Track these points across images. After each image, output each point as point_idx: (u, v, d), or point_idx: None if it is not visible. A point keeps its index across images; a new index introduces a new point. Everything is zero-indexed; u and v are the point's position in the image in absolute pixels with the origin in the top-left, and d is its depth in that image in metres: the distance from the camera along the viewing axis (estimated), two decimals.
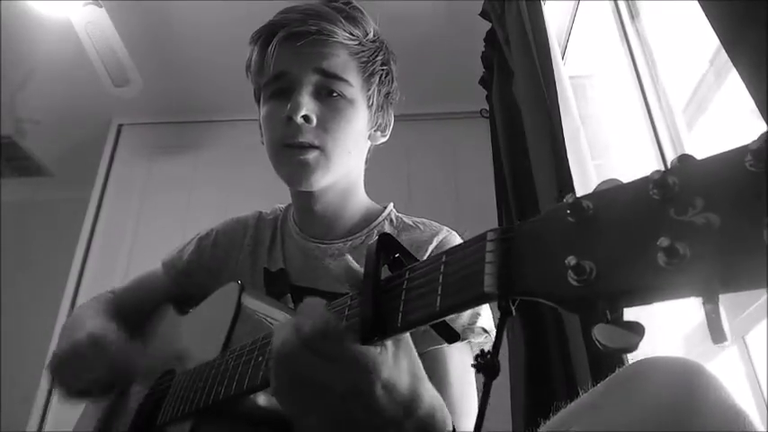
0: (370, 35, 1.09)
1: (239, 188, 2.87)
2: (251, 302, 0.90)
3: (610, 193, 0.39)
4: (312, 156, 1.01)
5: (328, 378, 0.55)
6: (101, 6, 2.34)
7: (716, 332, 0.33)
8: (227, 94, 3.03)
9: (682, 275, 0.33)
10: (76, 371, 1.00)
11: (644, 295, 0.35)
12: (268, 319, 0.90)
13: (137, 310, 1.24)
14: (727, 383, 0.52)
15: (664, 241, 0.33)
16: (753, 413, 0.50)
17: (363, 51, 1.07)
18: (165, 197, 3.06)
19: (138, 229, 3.00)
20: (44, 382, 2.70)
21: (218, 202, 2.80)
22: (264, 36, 1.06)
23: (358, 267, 0.60)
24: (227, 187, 2.94)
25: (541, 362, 1.65)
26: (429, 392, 0.59)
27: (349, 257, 0.61)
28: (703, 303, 0.33)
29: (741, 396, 0.51)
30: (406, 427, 0.57)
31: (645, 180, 0.37)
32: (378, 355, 0.55)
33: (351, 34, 1.04)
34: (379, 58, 1.10)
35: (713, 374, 0.53)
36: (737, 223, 0.32)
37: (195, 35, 2.76)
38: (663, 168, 1.13)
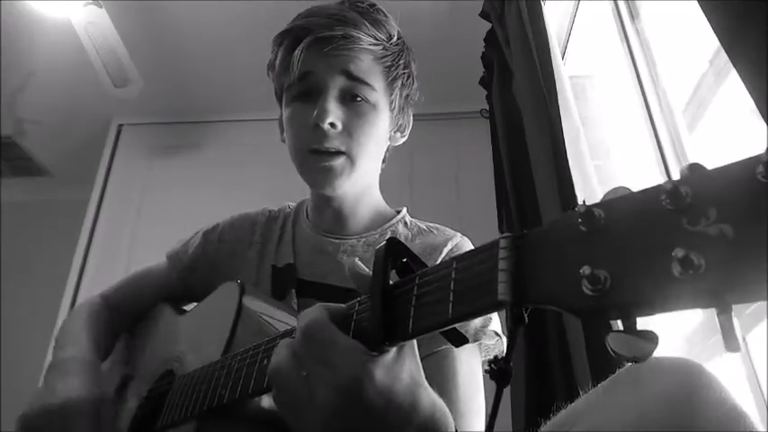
0: (394, 38, 1.09)
1: (239, 188, 2.87)
2: (252, 303, 0.90)
3: (621, 201, 0.40)
4: (338, 162, 1.02)
5: (322, 383, 0.55)
6: (101, 6, 2.34)
7: (730, 341, 0.33)
8: (227, 94, 3.05)
9: (696, 286, 0.33)
10: None
11: (658, 305, 0.35)
12: (270, 320, 0.90)
13: (137, 307, 1.23)
14: (727, 384, 0.52)
15: (679, 252, 0.33)
16: (753, 413, 0.51)
17: (387, 56, 1.07)
18: (165, 197, 3.05)
19: (138, 229, 2.99)
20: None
21: (218, 201, 2.78)
22: (290, 40, 1.05)
23: (365, 270, 0.60)
24: (227, 187, 2.94)
25: (541, 362, 1.65)
26: (430, 397, 0.58)
27: (357, 259, 0.61)
28: (717, 314, 0.33)
29: (741, 396, 0.52)
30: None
31: (656, 189, 0.37)
32: (371, 356, 0.54)
33: (375, 39, 1.04)
34: (401, 61, 1.10)
35: (714, 375, 0.53)
36: (750, 234, 0.32)
37: (195, 35, 2.76)
38: (664, 169, 1.13)
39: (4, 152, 3.40)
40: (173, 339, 1.07)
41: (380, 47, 1.05)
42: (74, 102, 3.08)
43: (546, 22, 1.88)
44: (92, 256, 2.97)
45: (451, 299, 0.49)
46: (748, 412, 0.50)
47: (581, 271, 0.38)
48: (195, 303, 1.15)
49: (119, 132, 3.28)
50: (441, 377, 0.90)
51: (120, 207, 3.07)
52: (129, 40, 2.51)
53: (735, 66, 0.81)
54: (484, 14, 2.40)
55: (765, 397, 1.13)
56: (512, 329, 0.45)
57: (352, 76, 1.02)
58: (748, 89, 0.78)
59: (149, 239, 2.87)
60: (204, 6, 2.59)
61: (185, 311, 1.16)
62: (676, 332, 1.38)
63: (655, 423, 0.50)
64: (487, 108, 2.74)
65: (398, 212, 1.19)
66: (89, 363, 1.05)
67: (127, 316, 1.22)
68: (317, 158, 1.03)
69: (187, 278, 1.21)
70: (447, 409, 0.60)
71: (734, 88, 1.37)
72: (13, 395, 2.83)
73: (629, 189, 0.40)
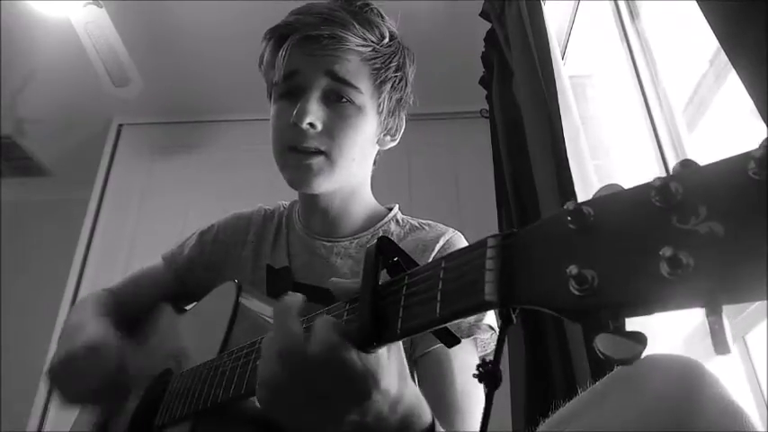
0: (386, 39, 1.07)
1: (239, 188, 2.87)
2: (249, 302, 0.90)
3: (611, 199, 0.39)
4: (316, 161, 1.01)
5: (325, 391, 0.55)
6: (101, 6, 2.34)
7: (719, 344, 0.32)
8: (227, 95, 3.05)
9: (685, 286, 0.32)
10: (73, 379, 1.00)
11: (646, 306, 0.35)
12: (267, 319, 0.90)
13: (136, 306, 1.23)
14: (725, 382, 0.52)
15: (667, 251, 0.33)
16: (753, 413, 0.50)
17: (377, 57, 1.05)
18: (165, 197, 3.06)
19: (138, 229, 3.00)
20: (44, 382, 2.70)
21: (217, 202, 2.78)
22: (277, 37, 1.04)
23: (345, 283, 0.61)
24: (226, 187, 2.94)
25: (541, 361, 1.65)
26: (411, 389, 0.60)
27: (334, 279, 0.62)
28: (707, 315, 0.32)
29: (741, 396, 0.52)
30: (391, 421, 0.58)
31: (646, 186, 0.36)
32: (378, 363, 0.55)
33: (364, 39, 1.02)
34: (393, 63, 1.08)
35: (712, 373, 0.53)
36: (741, 233, 0.31)
37: (195, 35, 2.76)
38: (664, 169, 1.13)
39: (4, 152, 3.40)
40: (171, 338, 1.08)
41: (369, 48, 1.04)
42: (74, 102, 3.08)
43: (546, 22, 1.88)
44: (92, 256, 2.97)
45: (439, 299, 0.48)
46: (746, 410, 0.50)
47: (568, 270, 0.37)
48: (195, 303, 1.15)
49: (119, 132, 3.28)
50: (437, 375, 0.91)
51: (120, 207, 3.08)
52: (129, 40, 2.50)
53: (734, 66, 0.81)
54: (484, 14, 2.40)
55: (765, 397, 1.12)
56: (500, 330, 0.45)
57: (336, 77, 1.01)
58: (748, 90, 0.78)
59: (149, 239, 2.87)
60: (204, 6, 2.59)
61: (185, 311, 1.16)
62: (676, 332, 1.37)
63: (653, 420, 0.50)
64: (487, 108, 2.74)
65: (390, 210, 1.18)
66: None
67: (128, 315, 1.22)
68: (295, 157, 1.02)
69: (184, 278, 1.22)
70: (423, 398, 0.62)
71: (734, 88, 1.37)
72: (13, 395, 2.85)
73: (621, 186, 0.39)
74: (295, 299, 0.62)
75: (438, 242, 1.06)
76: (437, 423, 0.63)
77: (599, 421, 0.55)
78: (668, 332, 1.39)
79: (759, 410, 1.14)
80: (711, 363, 1.17)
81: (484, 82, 2.70)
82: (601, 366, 1.22)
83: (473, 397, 0.91)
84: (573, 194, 1.49)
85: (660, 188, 0.35)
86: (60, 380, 1.02)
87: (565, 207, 0.39)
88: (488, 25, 2.41)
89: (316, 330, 0.56)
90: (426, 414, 0.62)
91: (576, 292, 0.37)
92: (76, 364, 0.99)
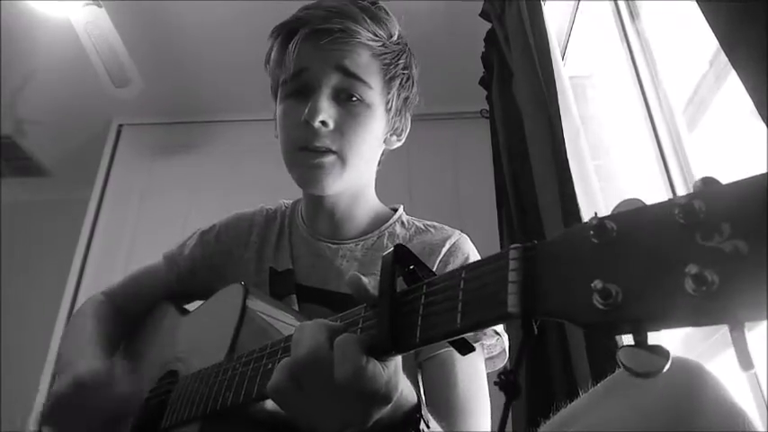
0: (394, 37, 1.06)
1: (239, 188, 2.86)
2: (256, 305, 0.90)
3: (633, 214, 0.39)
4: (328, 160, 1.00)
5: (351, 403, 0.56)
6: (101, 6, 2.34)
7: (743, 359, 0.33)
8: (227, 95, 3.04)
9: (709, 303, 0.33)
10: (67, 423, 0.95)
11: (670, 321, 0.35)
12: (273, 321, 0.90)
13: (137, 307, 1.23)
14: (726, 383, 0.53)
15: (692, 268, 0.33)
16: (753, 413, 0.51)
17: (386, 53, 1.04)
18: (165, 197, 3.05)
19: (138, 229, 2.99)
20: (44, 383, 2.70)
21: (218, 202, 2.78)
22: (286, 32, 1.03)
23: (367, 284, 0.60)
24: (227, 187, 2.94)
25: (542, 362, 1.65)
26: (405, 381, 0.61)
27: (357, 273, 0.61)
28: (730, 331, 0.33)
29: (741, 396, 0.52)
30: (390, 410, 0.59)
31: (669, 203, 0.37)
32: (396, 370, 0.56)
33: (374, 35, 1.02)
34: (401, 61, 1.07)
35: (713, 374, 0.53)
36: (765, 250, 0.32)
37: (195, 35, 2.76)
38: (664, 169, 1.12)
39: (4, 152, 3.39)
40: (176, 340, 1.07)
41: (380, 43, 1.03)
42: (74, 102, 3.07)
43: (546, 22, 1.89)
44: (92, 256, 2.97)
45: (460, 309, 0.49)
46: (747, 411, 0.51)
47: (592, 285, 0.38)
48: (197, 303, 1.14)
49: (119, 132, 3.28)
50: (442, 378, 0.91)
51: (120, 207, 3.07)
52: (129, 40, 2.50)
53: (734, 67, 0.81)
54: (484, 14, 2.40)
55: (765, 397, 1.13)
56: (522, 342, 0.45)
57: (347, 72, 1.00)
58: (748, 90, 0.78)
59: (149, 239, 2.86)
60: (204, 6, 2.58)
61: (188, 312, 1.15)
62: (677, 332, 1.38)
63: (655, 422, 0.50)
64: (487, 108, 2.74)
65: (395, 211, 1.17)
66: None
67: (129, 316, 1.22)
68: (306, 157, 1.00)
69: (185, 279, 1.21)
70: (406, 377, 0.63)
71: (734, 88, 1.37)
72: (13, 395, 2.84)
73: (641, 201, 0.39)
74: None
75: (444, 245, 1.05)
76: (422, 403, 0.64)
77: (600, 422, 0.56)
78: (669, 332, 1.40)
79: (759, 410, 1.14)
80: (712, 363, 1.18)
81: (484, 82, 2.70)
82: (602, 368, 1.23)
83: (478, 400, 0.92)
84: (573, 194, 1.49)
85: (684, 205, 0.35)
86: (54, 425, 0.97)
87: (587, 221, 0.40)
88: (488, 25, 2.41)
89: (341, 351, 0.55)
90: (412, 393, 0.63)
91: (601, 307, 0.37)
92: (67, 407, 0.94)
